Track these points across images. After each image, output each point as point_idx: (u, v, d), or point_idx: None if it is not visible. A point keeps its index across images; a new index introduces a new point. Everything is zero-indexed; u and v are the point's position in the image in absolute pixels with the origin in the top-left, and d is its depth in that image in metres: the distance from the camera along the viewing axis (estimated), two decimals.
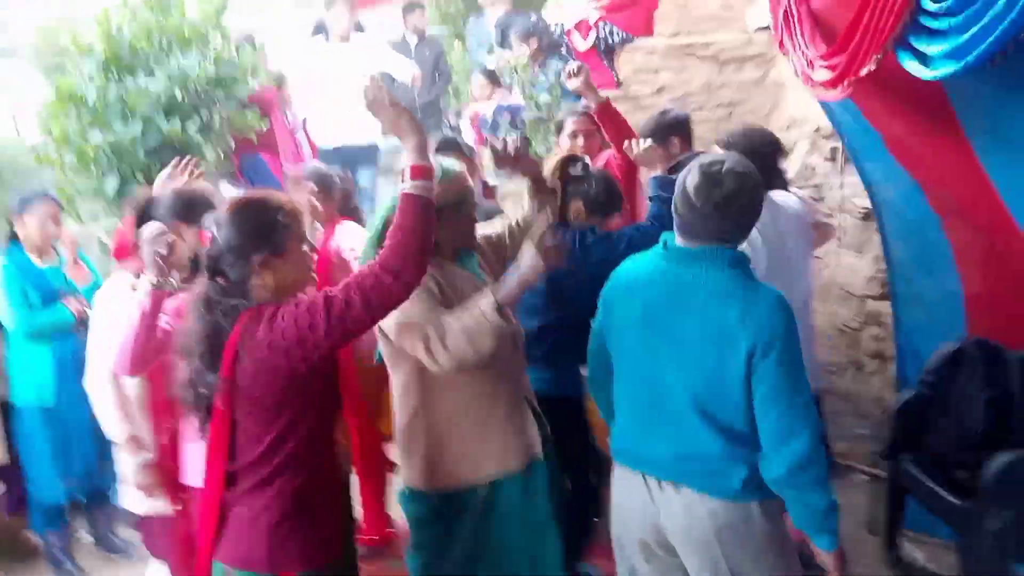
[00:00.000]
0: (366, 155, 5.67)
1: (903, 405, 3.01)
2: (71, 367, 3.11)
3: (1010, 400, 2.75)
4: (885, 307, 3.91)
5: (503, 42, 6.43)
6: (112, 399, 2.61)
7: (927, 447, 2.93)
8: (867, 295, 4.42)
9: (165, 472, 2.55)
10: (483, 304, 1.99)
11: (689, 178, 1.91)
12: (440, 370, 2.01)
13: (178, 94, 4.33)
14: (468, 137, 5.58)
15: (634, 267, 2.08)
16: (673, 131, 3.31)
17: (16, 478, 3.46)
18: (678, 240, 1.97)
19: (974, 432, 2.76)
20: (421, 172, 1.78)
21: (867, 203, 3.69)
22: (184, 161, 2.92)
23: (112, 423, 2.64)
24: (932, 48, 2.01)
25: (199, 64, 4.37)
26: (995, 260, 2.81)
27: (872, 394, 4.40)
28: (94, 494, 3.50)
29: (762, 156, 2.48)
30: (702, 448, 1.90)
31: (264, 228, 1.82)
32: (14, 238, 3.38)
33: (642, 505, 2.01)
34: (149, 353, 2.22)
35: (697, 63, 5.43)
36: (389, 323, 2.00)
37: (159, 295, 2.18)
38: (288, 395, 1.79)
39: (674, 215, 1.96)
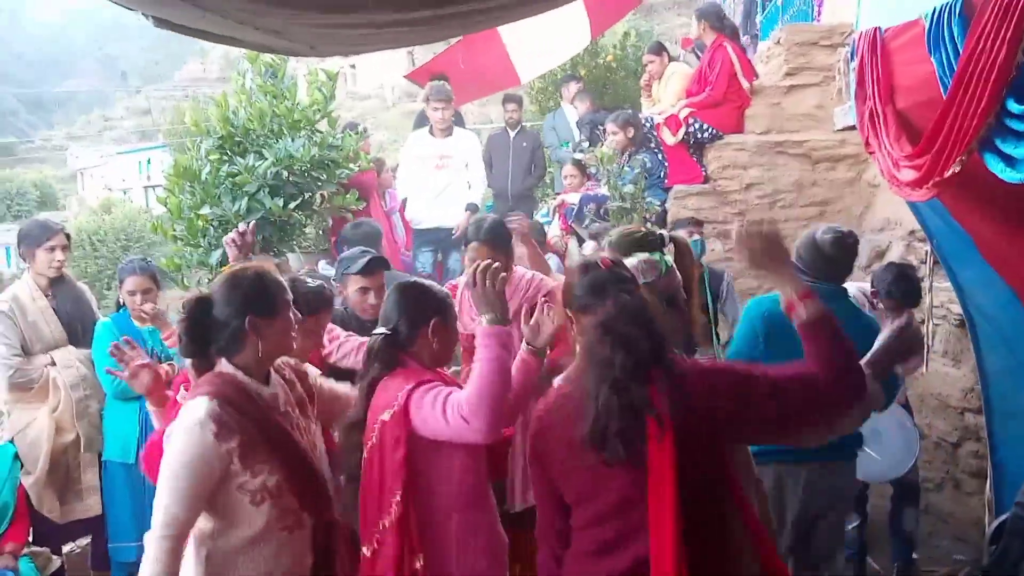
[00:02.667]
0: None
1: (995, 531, 2.76)
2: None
3: None
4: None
5: (590, 137, 6.59)
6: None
7: None
8: (965, 408, 4.15)
9: None
10: None
11: None
12: None
13: (283, 175, 4.61)
14: (555, 225, 5.67)
15: None
16: None
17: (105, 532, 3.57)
18: None
19: None
20: None
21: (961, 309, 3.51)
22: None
23: None
24: (1019, 151, 1.94)
25: (304, 147, 4.66)
26: None
27: (971, 516, 4.07)
28: None
29: None
30: None
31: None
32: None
33: None
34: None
35: (788, 160, 5.38)
36: None
37: None
38: None
39: None
